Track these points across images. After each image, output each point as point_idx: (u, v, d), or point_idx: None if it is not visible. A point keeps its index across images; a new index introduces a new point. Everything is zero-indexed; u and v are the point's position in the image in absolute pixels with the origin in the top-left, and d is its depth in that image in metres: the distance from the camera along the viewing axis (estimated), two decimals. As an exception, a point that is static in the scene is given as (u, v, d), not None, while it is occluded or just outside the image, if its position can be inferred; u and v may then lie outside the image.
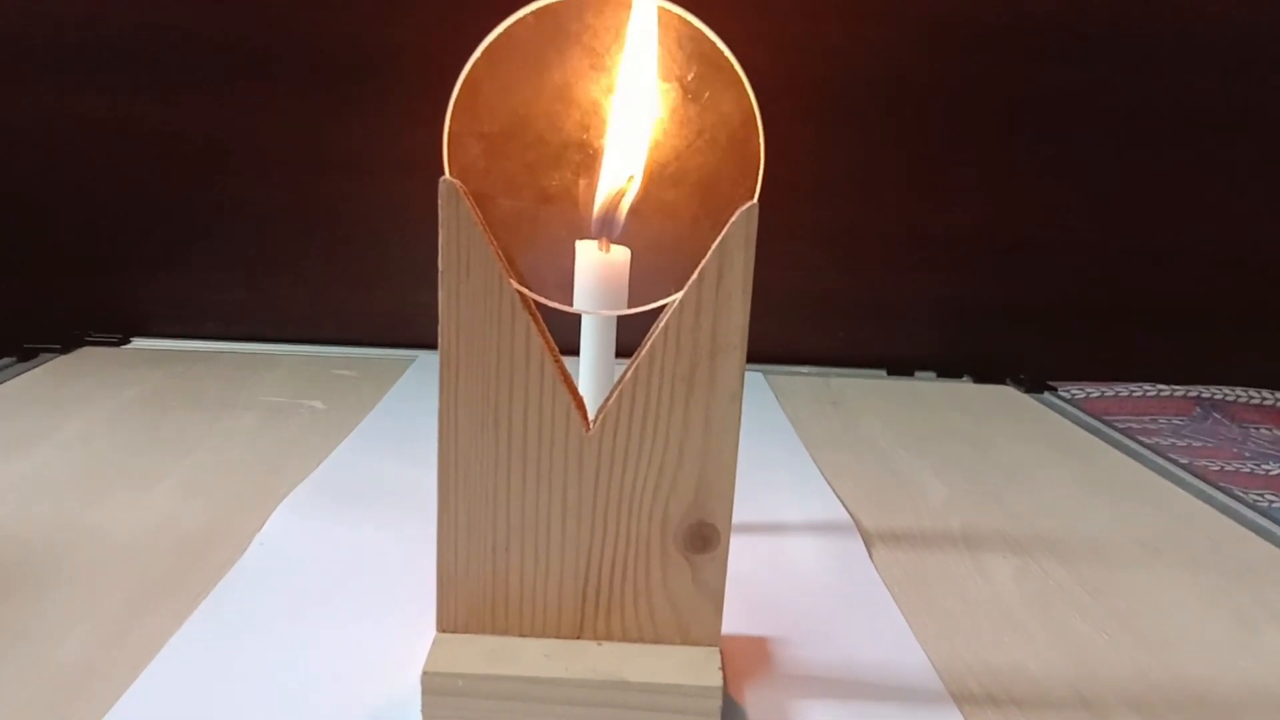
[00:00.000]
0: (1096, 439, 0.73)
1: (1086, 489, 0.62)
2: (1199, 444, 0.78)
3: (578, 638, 0.37)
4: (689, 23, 0.35)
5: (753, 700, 0.37)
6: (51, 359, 0.79)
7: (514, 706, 0.34)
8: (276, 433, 0.64)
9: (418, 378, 0.79)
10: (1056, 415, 0.79)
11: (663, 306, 0.36)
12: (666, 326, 0.34)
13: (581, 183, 0.38)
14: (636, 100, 0.37)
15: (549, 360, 0.35)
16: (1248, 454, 0.76)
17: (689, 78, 0.36)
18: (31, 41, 0.80)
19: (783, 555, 0.50)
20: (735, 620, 0.42)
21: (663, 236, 0.39)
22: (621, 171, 0.38)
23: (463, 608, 0.37)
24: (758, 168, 0.36)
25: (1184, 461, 0.70)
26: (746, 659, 0.40)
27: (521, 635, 0.37)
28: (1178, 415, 0.85)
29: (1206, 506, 0.61)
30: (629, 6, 0.36)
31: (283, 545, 0.48)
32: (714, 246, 0.34)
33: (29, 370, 0.75)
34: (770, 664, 0.40)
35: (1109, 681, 0.41)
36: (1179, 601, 0.48)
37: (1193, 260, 0.91)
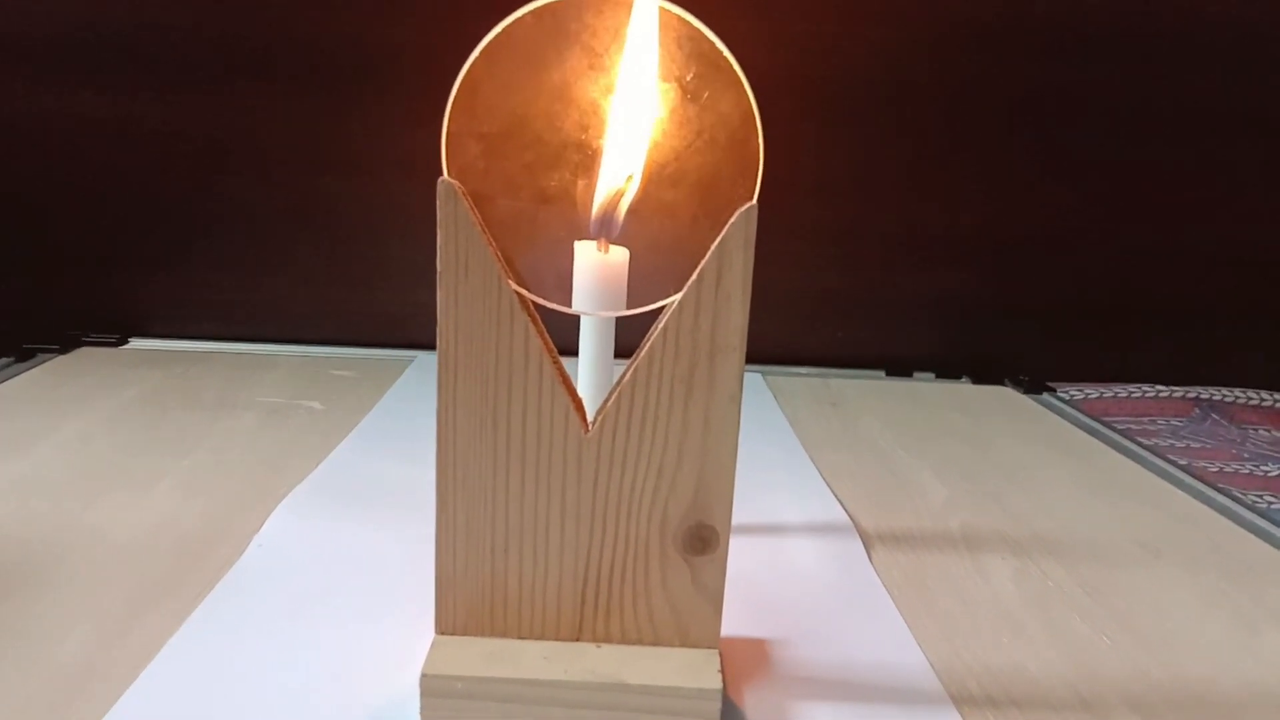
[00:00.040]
0: (1095, 440, 0.73)
1: (1086, 490, 0.62)
2: (1198, 445, 0.78)
3: (577, 640, 0.37)
4: (688, 23, 0.35)
5: (752, 702, 0.37)
6: (50, 359, 0.79)
7: (513, 709, 0.34)
8: (275, 433, 0.64)
9: (416, 378, 0.79)
10: (1055, 416, 0.79)
11: (661, 307, 0.36)
12: (665, 328, 0.34)
13: (580, 183, 0.38)
14: (636, 100, 0.37)
15: (548, 361, 0.34)
16: (1246, 455, 0.76)
17: (688, 78, 0.36)
18: (30, 40, 0.79)
19: (782, 556, 0.50)
20: (734, 621, 0.42)
21: (662, 237, 0.39)
22: (620, 171, 0.38)
23: (461, 610, 0.37)
24: (757, 168, 0.36)
25: (1183, 463, 0.70)
26: (746, 660, 0.40)
27: (520, 637, 0.37)
28: (1177, 416, 0.85)
29: (1205, 508, 0.61)
30: (628, 6, 0.36)
31: (282, 546, 0.48)
32: (713, 247, 0.34)
33: (27, 370, 0.75)
34: (769, 665, 0.40)
35: (1109, 682, 0.41)
36: (1178, 602, 0.48)
37: (1193, 260, 0.91)
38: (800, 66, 0.83)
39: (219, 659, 0.39)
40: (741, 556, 0.47)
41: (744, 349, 0.35)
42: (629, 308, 0.39)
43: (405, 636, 0.40)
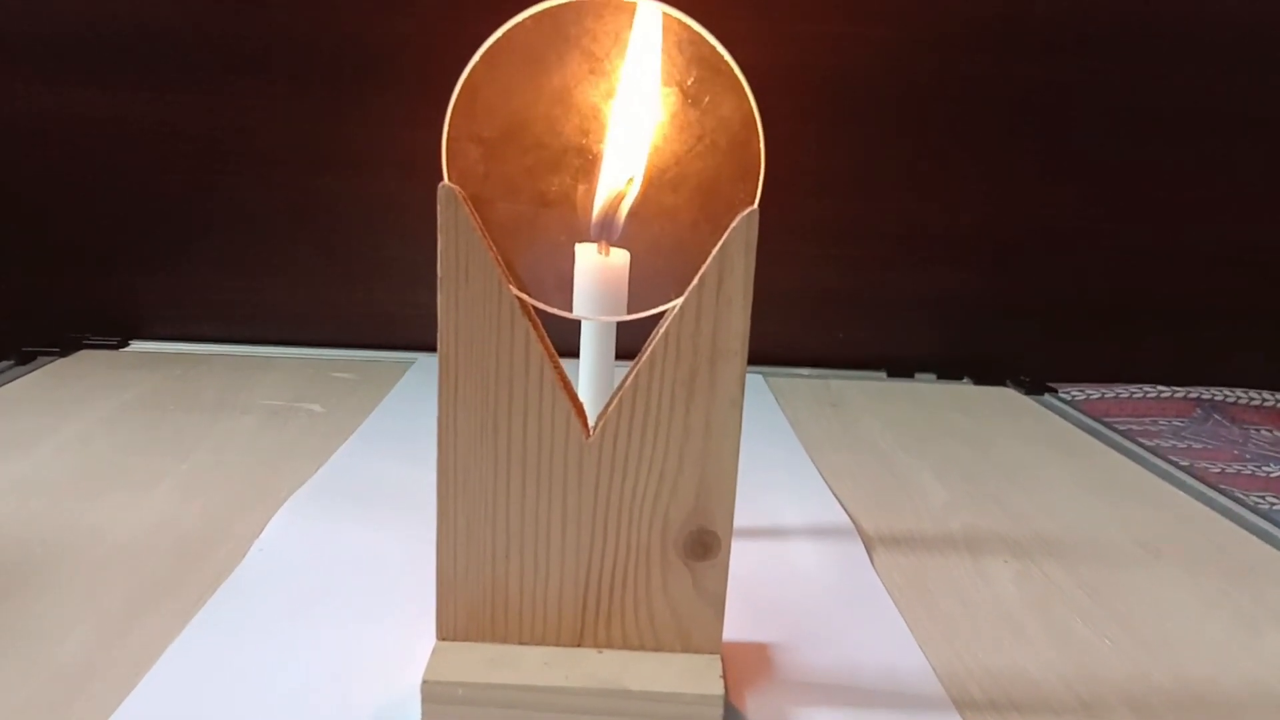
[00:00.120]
0: (1097, 441, 0.73)
1: (1087, 491, 0.62)
2: (1199, 446, 0.78)
3: (578, 645, 0.37)
4: (689, 27, 0.35)
5: (754, 707, 0.37)
6: (50, 362, 0.79)
7: (514, 715, 0.34)
8: (275, 435, 0.64)
9: (417, 380, 0.78)
10: (1056, 417, 0.79)
11: (663, 312, 0.36)
12: (667, 332, 0.34)
13: (581, 187, 0.38)
14: (637, 103, 0.37)
15: (548, 366, 0.34)
16: (1248, 456, 0.76)
17: (689, 82, 0.36)
18: (30, 40, 0.79)
19: (783, 558, 0.50)
20: (736, 624, 0.42)
21: (663, 240, 0.39)
22: (621, 174, 0.38)
23: (462, 615, 0.36)
24: (758, 171, 0.36)
25: (1184, 464, 0.70)
26: (747, 665, 0.40)
27: (521, 643, 0.37)
28: (1178, 417, 0.85)
29: (1207, 509, 0.60)
30: (629, 11, 0.35)
31: (283, 549, 0.48)
32: (714, 252, 0.33)
33: (27, 373, 0.75)
34: (771, 670, 0.40)
35: (1110, 684, 0.41)
36: (1179, 604, 0.48)
37: (1194, 260, 0.91)
38: (800, 66, 0.82)
39: (221, 662, 0.39)
40: (743, 559, 0.47)
41: (745, 353, 0.34)
42: (630, 311, 0.39)
43: (407, 638, 0.40)
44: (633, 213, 0.39)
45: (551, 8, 0.35)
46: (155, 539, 0.49)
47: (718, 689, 0.34)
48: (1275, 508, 0.64)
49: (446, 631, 0.37)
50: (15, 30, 0.79)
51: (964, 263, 0.89)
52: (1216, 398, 0.87)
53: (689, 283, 0.34)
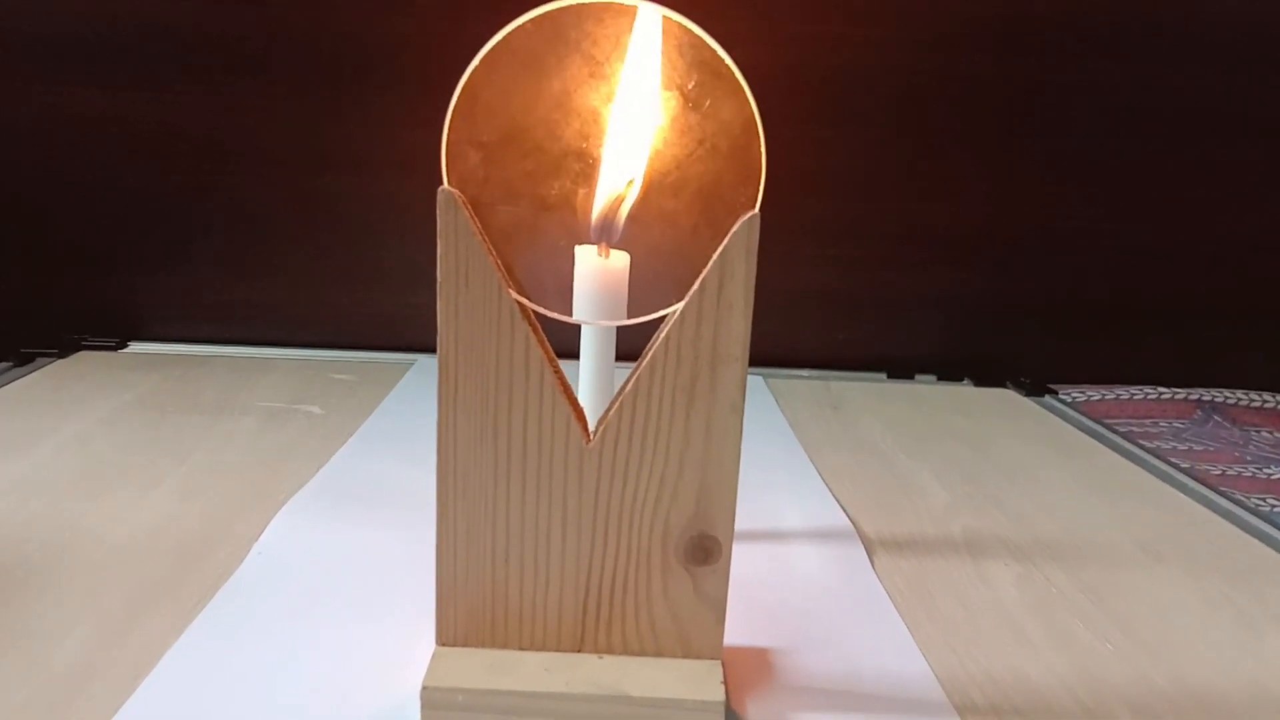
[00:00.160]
0: (1097, 442, 0.73)
1: (1087, 493, 0.62)
2: (1200, 448, 0.78)
3: (578, 651, 0.37)
4: (689, 30, 0.35)
5: (755, 713, 0.37)
6: (48, 363, 0.78)
7: (514, 721, 0.34)
8: (275, 436, 0.64)
9: (416, 381, 0.78)
10: (1057, 418, 0.79)
11: (663, 316, 0.36)
12: (667, 337, 0.34)
13: (581, 191, 0.38)
14: (637, 106, 0.37)
15: (548, 371, 0.34)
16: (1249, 458, 0.76)
17: (689, 86, 0.36)
18: (30, 40, 0.79)
19: (784, 562, 0.50)
20: (737, 628, 0.42)
21: (663, 244, 0.39)
22: (621, 176, 0.38)
23: (462, 620, 0.36)
24: (759, 175, 0.36)
25: (1185, 466, 0.70)
26: (748, 670, 0.40)
27: (521, 648, 0.37)
28: (1179, 418, 0.85)
29: (1208, 511, 0.60)
30: (629, 14, 0.35)
31: (283, 551, 0.48)
32: (715, 256, 0.33)
33: (26, 375, 0.75)
34: (772, 675, 0.40)
35: (1111, 688, 0.40)
36: (1181, 607, 0.48)
37: (1194, 260, 0.90)
38: (800, 66, 0.82)
39: (221, 665, 0.38)
40: (743, 562, 0.47)
41: (746, 358, 0.34)
42: (630, 316, 0.39)
43: (407, 640, 0.40)
44: (633, 217, 0.38)
45: (552, 11, 0.35)
46: (155, 540, 0.49)
47: (718, 695, 0.34)
48: (1276, 510, 0.64)
49: (446, 636, 0.37)
50: (15, 30, 0.79)
51: (964, 263, 0.89)
52: (1217, 399, 0.87)
53: (690, 287, 0.34)
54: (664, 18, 0.35)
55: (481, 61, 0.34)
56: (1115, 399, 0.86)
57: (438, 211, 0.33)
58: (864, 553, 0.51)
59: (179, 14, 0.79)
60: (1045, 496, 0.61)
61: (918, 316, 0.91)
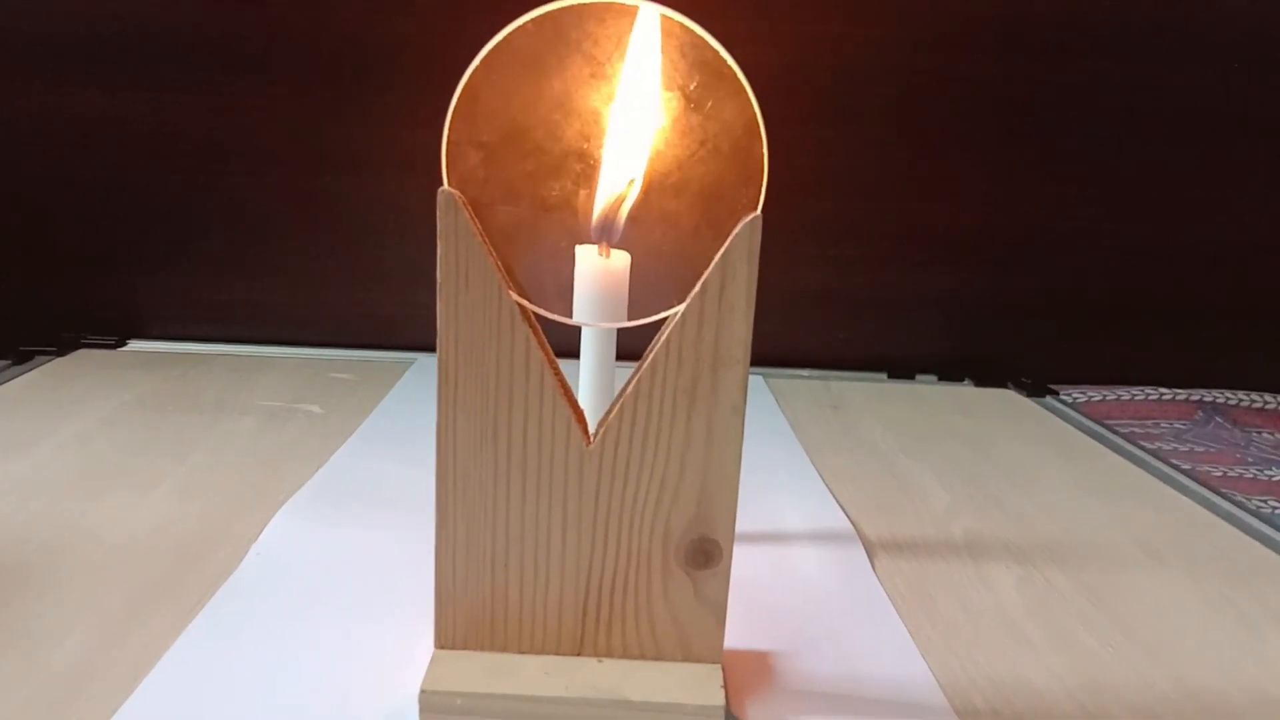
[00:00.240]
0: (1098, 444, 0.73)
1: (1088, 494, 0.62)
2: (1201, 449, 0.78)
3: (578, 654, 0.37)
4: (691, 31, 0.35)
5: (755, 716, 0.37)
6: (47, 361, 0.78)
7: (513, 724, 0.34)
8: (275, 436, 0.64)
9: (416, 380, 0.78)
10: (1058, 419, 0.79)
11: (664, 318, 0.35)
12: (668, 339, 0.34)
13: (582, 192, 0.38)
14: (638, 105, 0.36)
15: (549, 373, 0.34)
16: (1250, 459, 0.75)
17: (691, 87, 0.36)
18: (29, 40, 0.79)
19: (784, 564, 0.50)
20: (737, 631, 0.42)
21: (665, 245, 0.38)
22: (622, 176, 0.38)
23: (461, 624, 0.36)
24: (761, 176, 0.36)
25: (1186, 467, 0.70)
26: (748, 673, 0.40)
27: (521, 652, 0.36)
28: (1180, 419, 0.85)
29: (1209, 513, 0.60)
30: (631, 14, 0.35)
31: (282, 551, 0.48)
32: (716, 258, 0.33)
33: (25, 373, 0.75)
34: (772, 678, 0.39)
35: (1113, 692, 0.40)
36: (1182, 609, 0.48)
37: (1195, 260, 0.90)
38: (800, 66, 0.82)
39: (220, 666, 0.38)
40: (743, 563, 0.46)
41: (748, 360, 0.34)
42: (631, 317, 0.39)
43: (407, 641, 0.40)
44: (634, 217, 0.38)
45: (553, 11, 0.35)
46: (155, 540, 0.49)
47: (719, 699, 0.34)
48: (1277, 512, 0.64)
49: (445, 640, 0.36)
50: (15, 30, 0.79)
51: (965, 263, 0.89)
52: (1218, 400, 0.87)
53: (691, 288, 0.34)
54: (665, 18, 0.35)
55: (482, 62, 0.34)
56: (1116, 400, 0.86)
57: (438, 212, 0.33)
58: (864, 554, 0.51)
59: (179, 14, 0.79)
60: (1046, 498, 0.61)
61: (918, 316, 0.91)
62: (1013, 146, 0.86)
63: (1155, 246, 0.90)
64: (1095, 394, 0.86)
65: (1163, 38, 0.83)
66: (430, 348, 0.34)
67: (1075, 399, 0.86)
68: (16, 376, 0.74)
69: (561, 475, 0.35)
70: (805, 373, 0.88)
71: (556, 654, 0.36)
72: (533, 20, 0.34)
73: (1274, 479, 0.71)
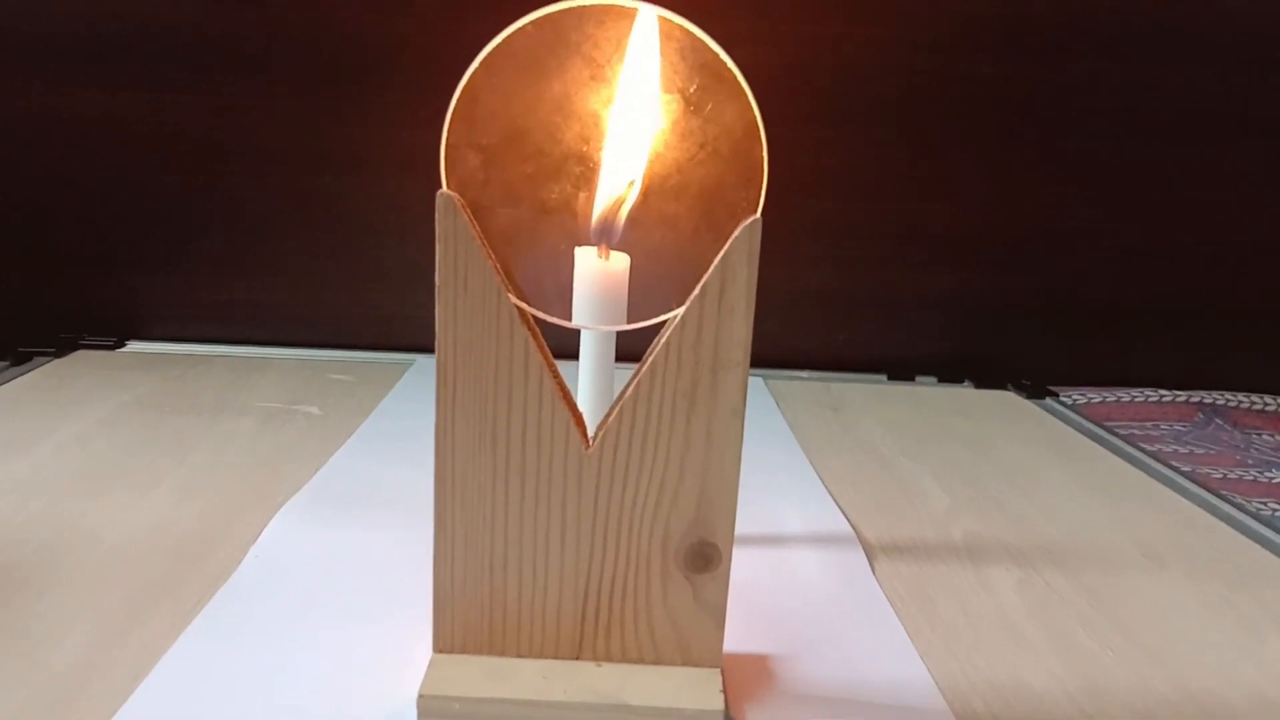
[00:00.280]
0: (1098, 445, 0.73)
1: (1088, 496, 0.62)
2: (1201, 451, 0.77)
3: (577, 658, 0.36)
4: (691, 33, 0.35)
5: (754, 720, 0.37)
6: (46, 362, 0.78)
7: (512, 728, 0.34)
8: (274, 437, 0.64)
9: (415, 381, 0.78)
10: (1058, 421, 0.78)
11: (664, 321, 0.35)
12: (668, 342, 0.34)
13: (581, 195, 0.38)
14: (637, 107, 0.36)
15: (548, 376, 0.34)
16: (1250, 461, 0.75)
17: (691, 89, 0.35)
18: (29, 40, 0.79)
19: (784, 566, 0.50)
20: (735, 633, 0.42)
21: (664, 248, 0.38)
22: (621, 178, 0.38)
23: (459, 627, 0.36)
24: (761, 178, 0.36)
25: (1186, 469, 0.70)
26: (747, 677, 0.40)
27: (519, 656, 0.36)
28: (1180, 421, 0.85)
29: (1209, 515, 0.60)
30: (630, 17, 0.35)
31: (281, 553, 0.48)
32: (716, 261, 0.33)
33: (23, 374, 0.75)
34: (771, 682, 0.39)
35: (1114, 696, 0.40)
36: (1182, 611, 0.48)
37: (1195, 260, 0.90)
38: (800, 66, 0.82)
39: (219, 668, 0.38)
40: (742, 566, 0.46)
41: (747, 363, 0.34)
42: (631, 320, 0.39)
43: (406, 642, 0.40)
44: (634, 220, 0.38)
45: (552, 13, 0.35)
46: (154, 541, 0.49)
47: (718, 703, 0.34)
48: (1277, 514, 0.64)
49: (443, 644, 0.36)
50: (15, 30, 0.79)
51: (965, 264, 0.89)
52: (1218, 401, 0.87)
53: (691, 290, 0.34)
54: (665, 20, 0.35)
55: (481, 64, 0.34)
56: (1116, 401, 0.86)
57: (437, 215, 0.33)
58: (864, 557, 0.51)
59: (179, 14, 0.79)
60: (1046, 500, 0.61)
61: (918, 317, 0.91)
62: (1013, 146, 0.86)
63: (1155, 246, 0.90)
64: (1095, 395, 0.86)
65: (1163, 38, 0.83)
66: (430, 348, 0.34)
67: (1075, 400, 0.85)
68: (15, 377, 0.74)
69: (560, 478, 0.35)
70: (805, 374, 0.88)
71: (555, 658, 0.36)
72: (532, 22, 0.34)
73: (1274, 481, 0.71)
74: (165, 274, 0.86)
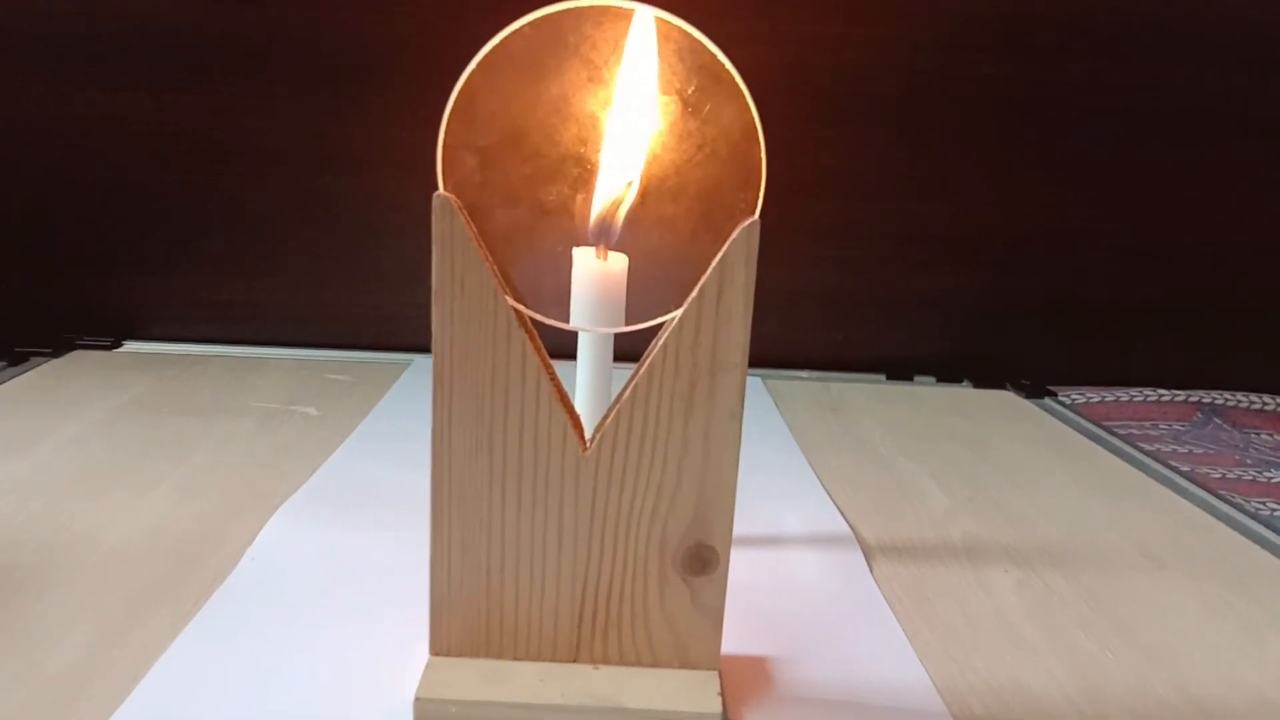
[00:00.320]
0: (1097, 445, 0.73)
1: (1087, 496, 0.62)
2: (1200, 450, 0.77)
3: (574, 661, 0.36)
4: (689, 34, 0.35)
5: (752, 722, 0.37)
6: (43, 363, 0.78)
7: (509, 731, 0.34)
8: (272, 438, 0.64)
9: (413, 381, 0.78)
10: (1056, 421, 0.78)
11: (662, 322, 0.35)
12: (665, 344, 0.34)
13: (579, 197, 0.37)
14: (635, 109, 0.36)
15: (545, 378, 0.34)
16: (1249, 461, 0.75)
17: (689, 91, 0.35)
18: (28, 40, 0.79)
19: (782, 567, 0.50)
20: (733, 635, 0.42)
21: (663, 250, 0.38)
22: (619, 179, 0.38)
23: (456, 630, 0.36)
24: (759, 179, 0.36)
25: (1185, 469, 0.70)
26: (745, 679, 0.40)
27: (516, 659, 0.36)
28: (1179, 420, 0.85)
29: (1208, 515, 0.60)
30: (628, 18, 0.35)
31: (278, 554, 0.48)
32: (714, 263, 0.33)
33: (20, 374, 0.75)
34: (769, 684, 0.39)
35: (1113, 698, 0.40)
36: (1182, 612, 0.48)
37: (1194, 260, 0.90)
38: (800, 66, 0.82)
39: (216, 669, 0.38)
40: (740, 567, 0.46)
41: (745, 366, 0.34)
42: (629, 322, 0.39)
43: (404, 644, 0.40)
44: (632, 221, 0.38)
45: (551, 14, 0.35)
46: (153, 542, 0.49)
47: (715, 706, 0.34)
48: (1277, 514, 0.64)
49: (440, 647, 0.36)
50: (15, 30, 0.79)
51: (964, 264, 0.89)
52: (1217, 401, 0.87)
53: (689, 292, 0.34)
54: (663, 21, 0.35)
55: (479, 65, 0.34)
56: (1115, 401, 0.86)
57: (433, 217, 0.33)
58: (863, 558, 0.51)
59: (179, 14, 0.79)
60: (1045, 500, 0.61)
61: (918, 317, 0.90)
62: (1013, 146, 0.86)
63: (1155, 246, 0.90)
64: (1094, 395, 0.86)
65: (1163, 38, 0.83)
66: (427, 349, 0.34)
67: (1074, 400, 0.85)
68: (12, 377, 0.74)
69: (558, 481, 0.35)
70: (804, 374, 0.88)
71: (552, 661, 0.36)
72: (530, 24, 0.34)
73: (1273, 481, 0.71)
74: (165, 274, 0.86)
